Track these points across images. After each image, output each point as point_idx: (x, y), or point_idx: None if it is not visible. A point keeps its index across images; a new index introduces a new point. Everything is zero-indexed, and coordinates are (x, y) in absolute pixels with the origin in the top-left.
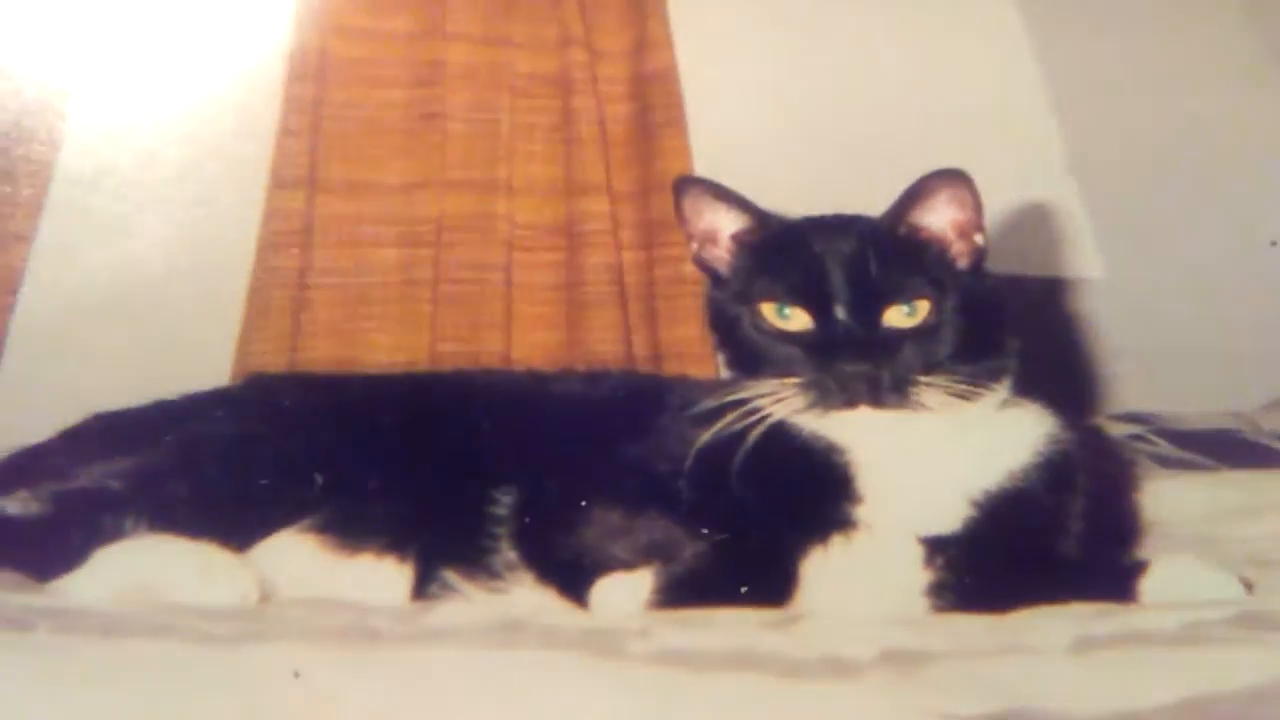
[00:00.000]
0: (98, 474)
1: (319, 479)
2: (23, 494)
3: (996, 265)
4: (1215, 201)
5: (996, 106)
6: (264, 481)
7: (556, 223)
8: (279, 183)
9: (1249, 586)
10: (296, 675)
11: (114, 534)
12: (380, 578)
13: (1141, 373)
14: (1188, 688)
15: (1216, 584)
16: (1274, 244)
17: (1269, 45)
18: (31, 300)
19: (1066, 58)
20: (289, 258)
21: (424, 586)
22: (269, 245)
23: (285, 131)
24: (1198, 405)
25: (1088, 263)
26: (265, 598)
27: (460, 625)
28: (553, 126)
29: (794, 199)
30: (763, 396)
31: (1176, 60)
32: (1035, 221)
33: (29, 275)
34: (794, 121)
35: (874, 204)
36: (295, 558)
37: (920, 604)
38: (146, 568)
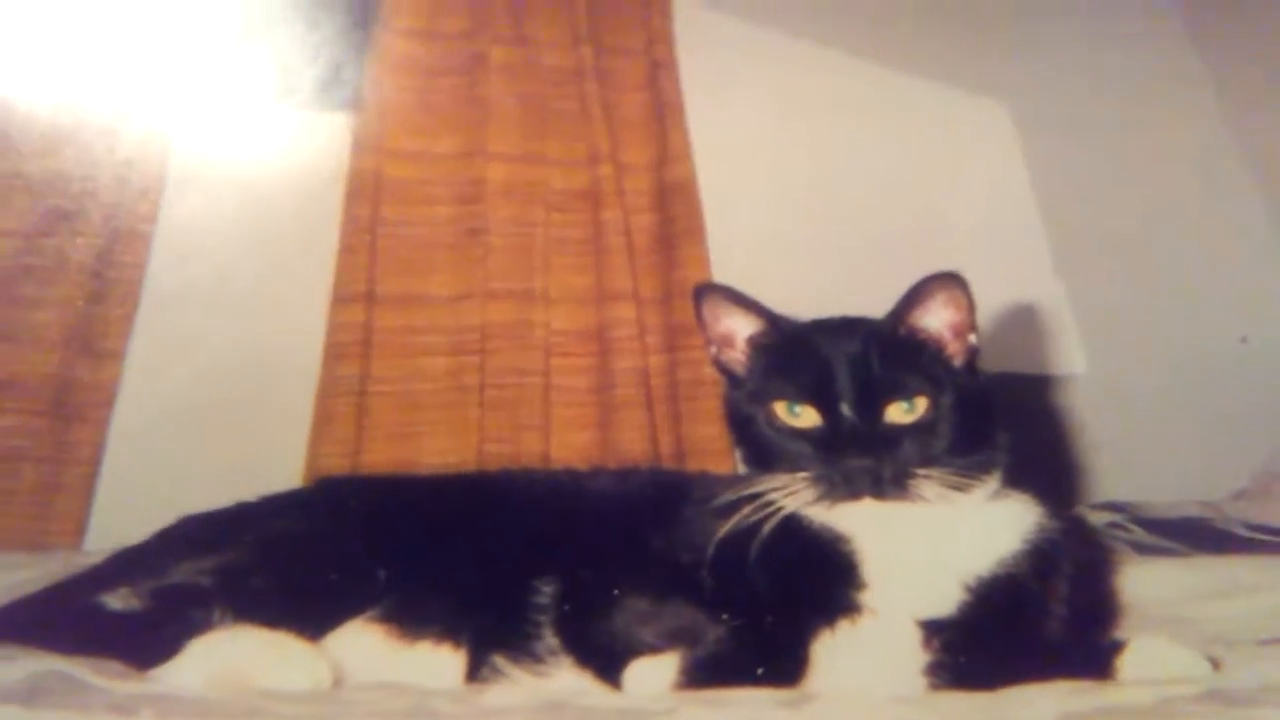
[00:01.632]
0: (189, 571)
1: (382, 574)
2: (124, 590)
3: (988, 363)
4: (1189, 300)
5: (989, 212)
6: (334, 576)
7: (588, 329)
8: (341, 297)
9: (1217, 664)
10: None
11: (204, 626)
12: (437, 663)
13: (1119, 463)
14: None
15: (1187, 662)
16: (1243, 340)
17: (1240, 155)
18: (125, 412)
19: (1056, 164)
20: (351, 367)
21: (476, 671)
22: (333, 356)
23: (345, 249)
24: (1171, 493)
25: (1071, 359)
26: (338, 682)
27: (510, 706)
28: (584, 239)
29: (802, 299)
30: (775, 490)
31: (1155, 168)
32: (1023, 321)
33: (122, 389)
34: (801, 227)
35: (876, 303)
36: (362, 646)
37: (919, 683)
38: (234, 657)
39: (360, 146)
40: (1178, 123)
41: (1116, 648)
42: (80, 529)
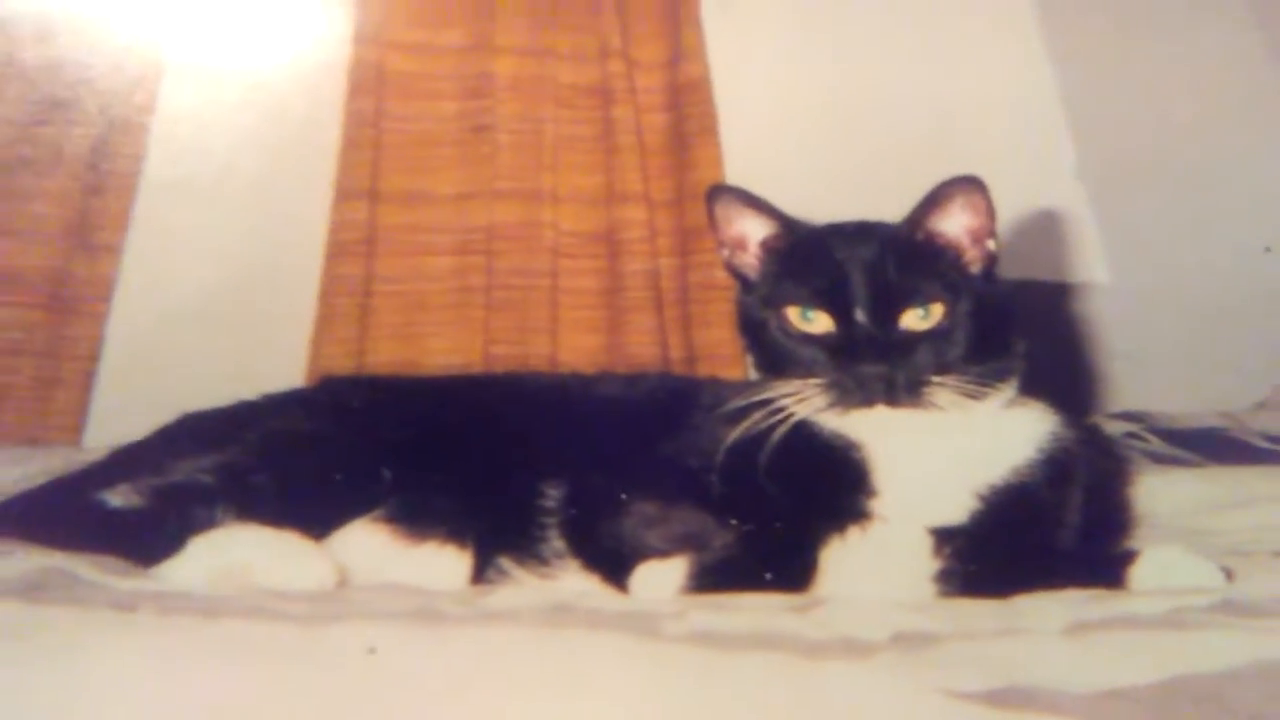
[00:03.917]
0: (190, 469)
1: (387, 474)
2: (124, 488)
3: (1006, 269)
4: (1214, 209)
5: (1012, 114)
6: (338, 476)
7: (598, 231)
8: (344, 193)
9: (1230, 575)
10: (371, 652)
11: (206, 524)
12: (443, 564)
13: (1139, 373)
14: (1171, 668)
15: (1200, 573)
16: (1267, 250)
17: (1273, 54)
18: (124, 307)
19: (1080, 66)
20: (354, 266)
21: (481, 572)
22: (336, 254)
23: (348, 144)
24: (1192, 405)
25: (1093, 267)
26: (341, 582)
27: (515, 608)
28: (594, 136)
29: (818, 203)
30: (787, 396)
31: (1183, 68)
32: (1045, 227)
33: (120, 284)
34: (818, 128)
35: (893, 207)
36: (367, 546)
37: (928, 590)
38: (237, 555)
39: (362, 37)
40: (1211, 27)
41: (1129, 557)
42: (79, 425)
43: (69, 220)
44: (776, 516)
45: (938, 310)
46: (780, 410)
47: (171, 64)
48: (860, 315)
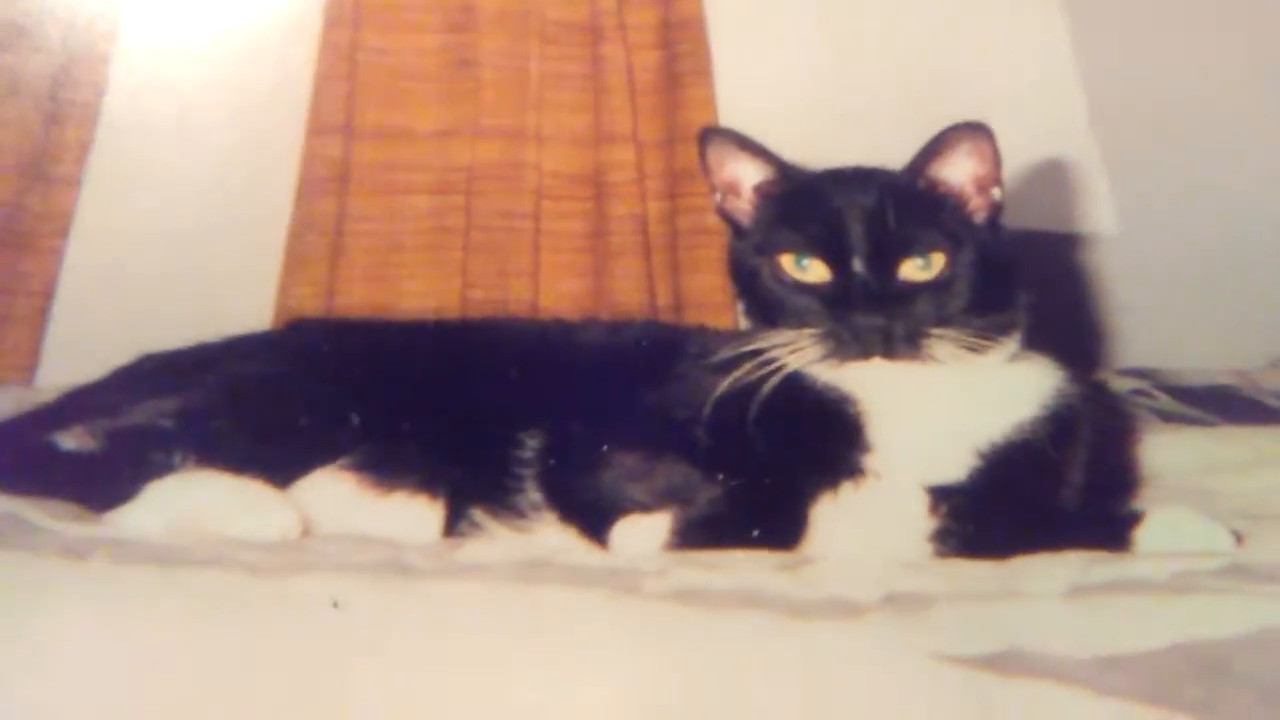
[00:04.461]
0: (148, 412)
1: (355, 420)
2: (78, 430)
3: (1012, 219)
4: (1228, 161)
5: (1021, 59)
6: (303, 421)
7: (584, 172)
8: (316, 129)
9: (1239, 539)
10: (335, 605)
11: (164, 469)
12: (413, 515)
13: (1149, 328)
14: (1176, 634)
15: (1208, 536)
16: None
17: None
18: (81, 244)
19: (1093, 11)
20: (326, 204)
21: (454, 524)
22: (307, 191)
23: (323, 76)
24: (1203, 362)
25: (1102, 218)
26: (305, 532)
27: (488, 562)
28: (581, 75)
29: (816, 147)
30: (779, 347)
31: (1199, 15)
32: (1053, 176)
33: (78, 219)
34: (817, 70)
35: (895, 153)
36: (333, 495)
37: (924, 549)
38: (196, 501)
39: None
40: None
41: (1135, 518)
42: (31, 364)
43: (26, 151)
44: (766, 471)
45: (939, 260)
46: (772, 361)
47: None
48: (858, 264)
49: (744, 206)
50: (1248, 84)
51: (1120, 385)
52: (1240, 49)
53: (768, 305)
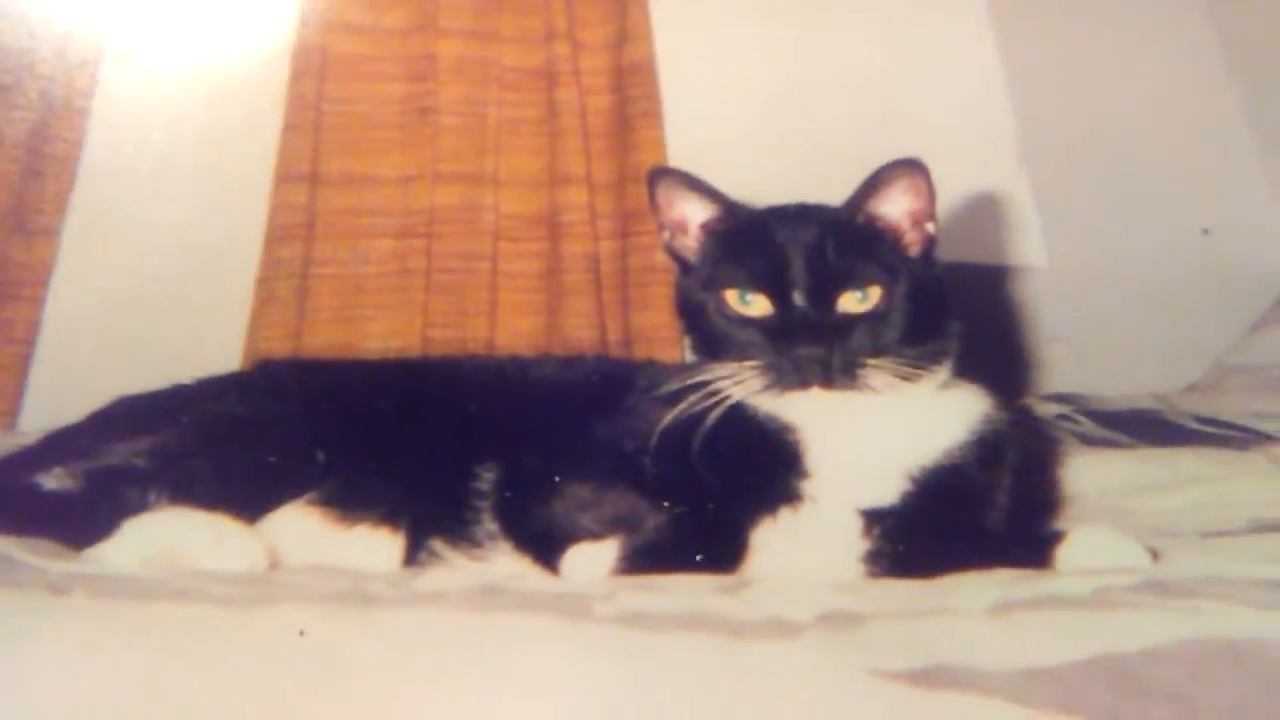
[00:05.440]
0: (124, 452)
1: (321, 457)
2: (58, 471)
3: (947, 251)
4: (1152, 191)
5: (955, 97)
6: (271, 459)
7: (539, 213)
8: (284, 177)
9: (1156, 555)
10: (301, 634)
11: (139, 507)
12: (375, 547)
13: (1076, 356)
14: (1094, 647)
15: (1126, 553)
16: (1205, 232)
17: (1212, 44)
18: (61, 291)
19: (1023, 50)
20: (293, 249)
21: (414, 555)
22: (275, 238)
23: (289, 127)
24: (1129, 387)
25: (1032, 250)
26: (273, 565)
27: (446, 590)
28: (537, 119)
29: (761, 186)
30: (723, 379)
31: (1125, 53)
32: (985, 210)
33: (58, 268)
34: (761, 111)
35: (836, 189)
36: (299, 529)
37: (857, 570)
38: (169, 537)
39: (305, 20)
40: (1154, 12)
41: (1057, 537)
42: (14, 409)
43: (6, 204)
44: (709, 498)
45: (875, 293)
46: (716, 392)
47: (113, 47)
48: (798, 298)
49: (691, 244)
50: (1172, 118)
51: (1045, 410)
52: (1168, 87)
53: (713, 339)
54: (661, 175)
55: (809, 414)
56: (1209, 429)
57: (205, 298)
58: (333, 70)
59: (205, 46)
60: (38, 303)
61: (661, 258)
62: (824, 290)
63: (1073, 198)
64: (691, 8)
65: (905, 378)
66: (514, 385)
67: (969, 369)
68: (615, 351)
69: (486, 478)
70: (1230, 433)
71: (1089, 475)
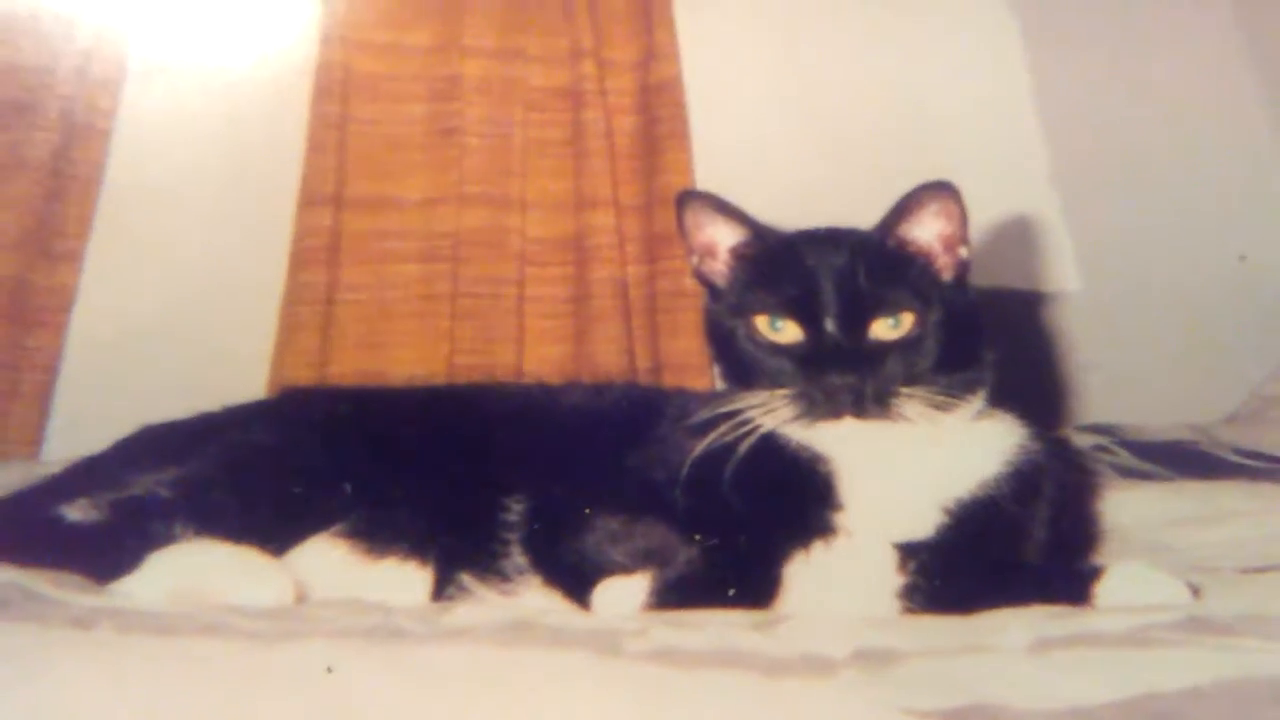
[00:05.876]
0: (149, 483)
1: (348, 488)
2: (83, 502)
3: (978, 277)
4: (1188, 217)
5: (987, 119)
6: (298, 490)
7: (566, 237)
8: (308, 199)
9: (1196, 592)
10: (329, 670)
11: (165, 539)
12: (403, 580)
13: (1111, 384)
14: (1134, 686)
15: (1166, 589)
16: (1242, 259)
17: (1249, 69)
18: (84, 317)
19: (1056, 72)
20: (317, 274)
21: (442, 589)
22: (300, 261)
23: (313, 148)
24: (1163, 416)
25: (1065, 276)
26: (300, 598)
27: (475, 625)
28: (563, 140)
29: (790, 208)
30: (754, 408)
31: (1160, 75)
32: (1017, 234)
33: (81, 293)
34: (791, 133)
35: (867, 212)
36: (327, 562)
37: (893, 605)
38: (195, 571)
39: (328, 39)
40: (1187, 33)
41: (1095, 573)
42: (38, 438)
43: (28, 228)
44: (741, 531)
45: (908, 320)
46: (747, 422)
47: (134, 68)
48: (830, 325)
49: (720, 268)
50: (1209, 142)
51: (1082, 441)
52: (1202, 111)
53: (743, 366)
54: (690, 199)
55: (841, 444)
56: (1249, 461)
57: (229, 323)
58: (356, 90)
59: (227, 65)
60: (60, 329)
61: (691, 283)
62: (856, 317)
63: (1107, 222)
64: (719, 27)
65: (939, 407)
66: (542, 414)
67: (1004, 398)
68: (645, 378)
69: (515, 509)
70: (1271, 465)
71: (1127, 508)
